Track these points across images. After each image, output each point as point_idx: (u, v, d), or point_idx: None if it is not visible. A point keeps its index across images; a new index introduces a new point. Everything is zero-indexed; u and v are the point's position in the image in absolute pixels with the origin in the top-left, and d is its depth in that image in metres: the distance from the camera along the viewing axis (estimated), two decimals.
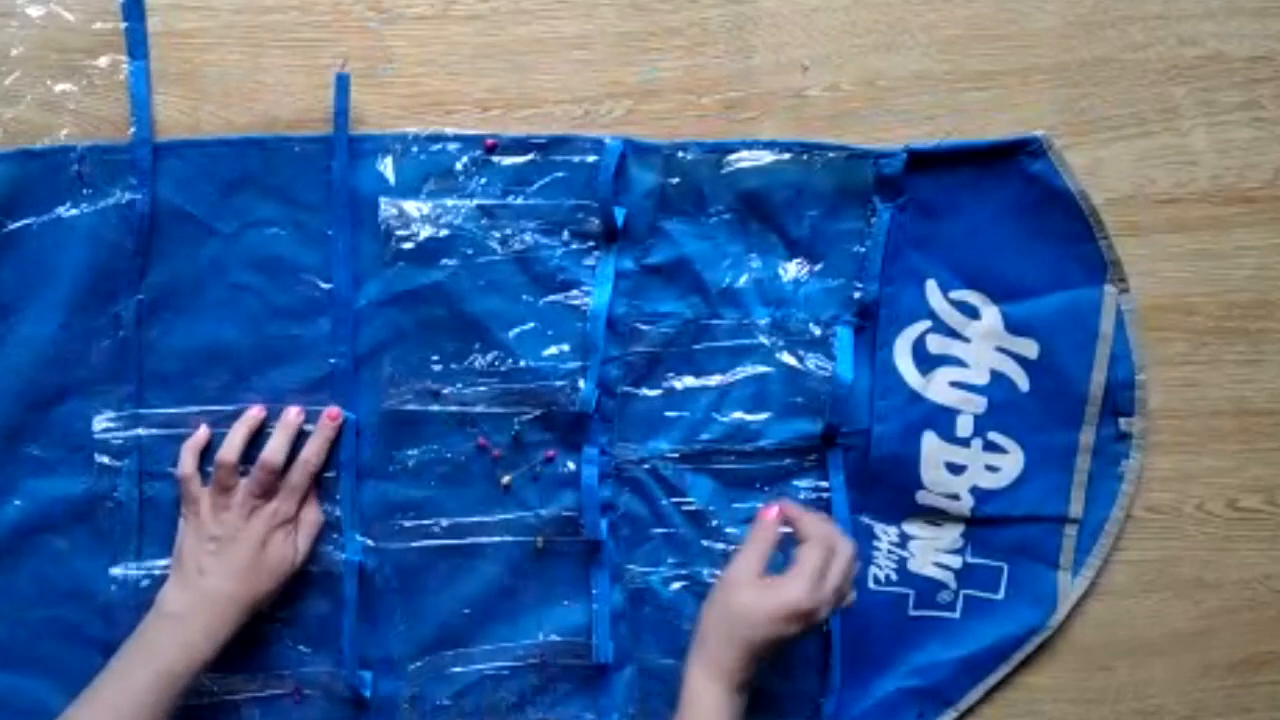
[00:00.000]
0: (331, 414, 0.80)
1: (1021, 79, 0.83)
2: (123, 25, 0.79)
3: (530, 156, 0.81)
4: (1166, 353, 0.86)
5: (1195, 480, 0.88)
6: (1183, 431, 0.87)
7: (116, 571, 0.82)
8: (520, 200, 0.81)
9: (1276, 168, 0.85)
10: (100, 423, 0.81)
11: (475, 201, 0.81)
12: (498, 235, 0.81)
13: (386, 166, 0.81)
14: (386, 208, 0.80)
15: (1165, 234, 0.85)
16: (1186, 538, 0.88)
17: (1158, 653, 0.89)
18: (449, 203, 0.81)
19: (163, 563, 0.81)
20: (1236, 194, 0.85)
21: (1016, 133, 0.83)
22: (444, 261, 0.81)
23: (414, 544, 0.83)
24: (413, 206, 0.80)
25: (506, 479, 0.83)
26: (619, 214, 0.81)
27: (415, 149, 0.81)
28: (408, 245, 0.81)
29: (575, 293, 0.82)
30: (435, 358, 0.82)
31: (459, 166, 0.81)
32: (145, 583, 0.81)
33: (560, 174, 0.81)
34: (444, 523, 0.83)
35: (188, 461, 0.79)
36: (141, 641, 0.74)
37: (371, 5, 0.81)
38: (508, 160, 0.81)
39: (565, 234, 0.82)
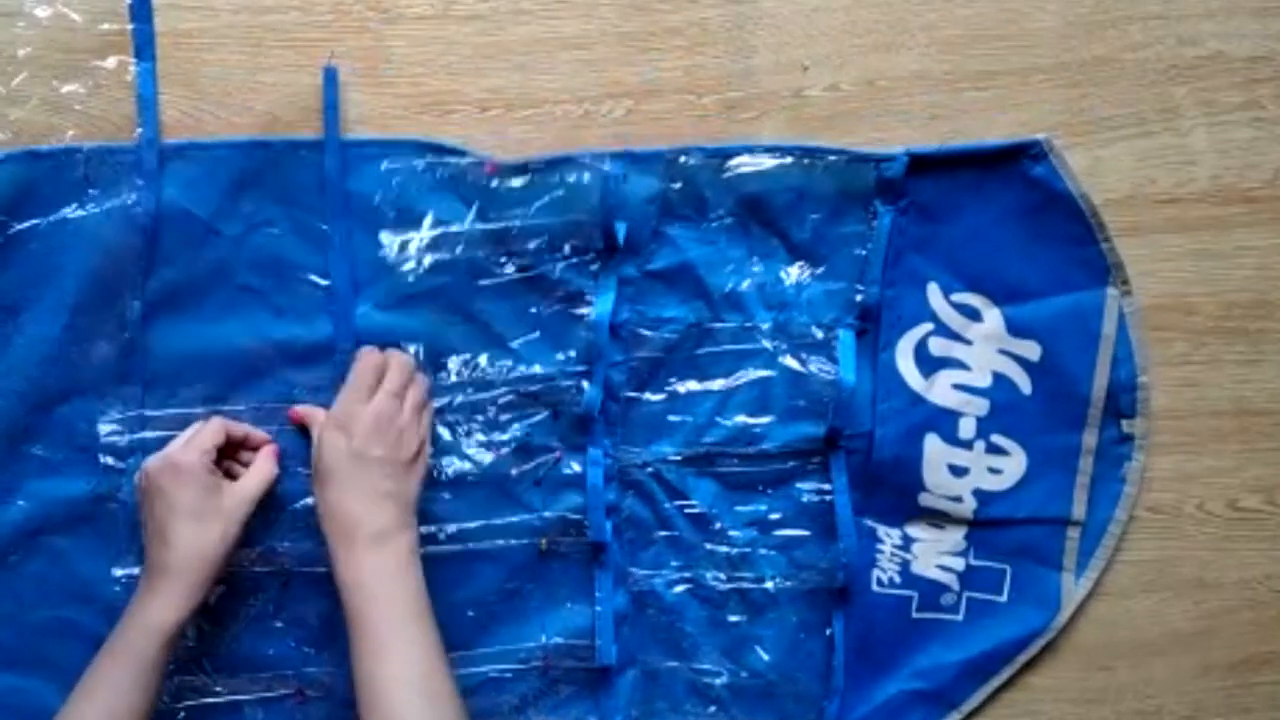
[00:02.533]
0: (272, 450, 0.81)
1: (1021, 79, 0.83)
2: (130, 27, 0.79)
3: (530, 178, 0.81)
4: (1167, 353, 0.86)
5: (1195, 480, 0.88)
6: (1183, 431, 0.87)
7: (119, 572, 0.81)
8: (521, 221, 0.81)
9: (1276, 168, 0.85)
10: (105, 427, 0.80)
11: (477, 226, 0.81)
12: (500, 257, 0.81)
13: (387, 194, 0.80)
14: (388, 241, 0.80)
15: (1165, 234, 0.85)
16: (1186, 538, 0.88)
17: (1158, 653, 0.89)
18: (451, 229, 0.81)
19: None
20: (1236, 194, 0.85)
21: (1016, 132, 0.83)
22: (447, 279, 0.81)
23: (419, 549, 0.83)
24: (414, 237, 0.80)
25: (515, 471, 0.83)
26: (620, 229, 0.81)
27: (417, 172, 0.80)
28: (411, 274, 0.81)
29: (579, 303, 0.82)
30: (440, 361, 0.82)
31: (460, 191, 0.81)
32: None
33: (560, 192, 0.81)
34: (450, 529, 0.83)
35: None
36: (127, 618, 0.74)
37: (371, 5, 0.81)
38: (508, 183, 0.81)
39: (566, 249, 0.82)
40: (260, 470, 0.79)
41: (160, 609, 0.72)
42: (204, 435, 0.77)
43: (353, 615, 0.71)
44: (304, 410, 0.80)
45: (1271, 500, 0.88)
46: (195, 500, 0.74)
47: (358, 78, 0.80)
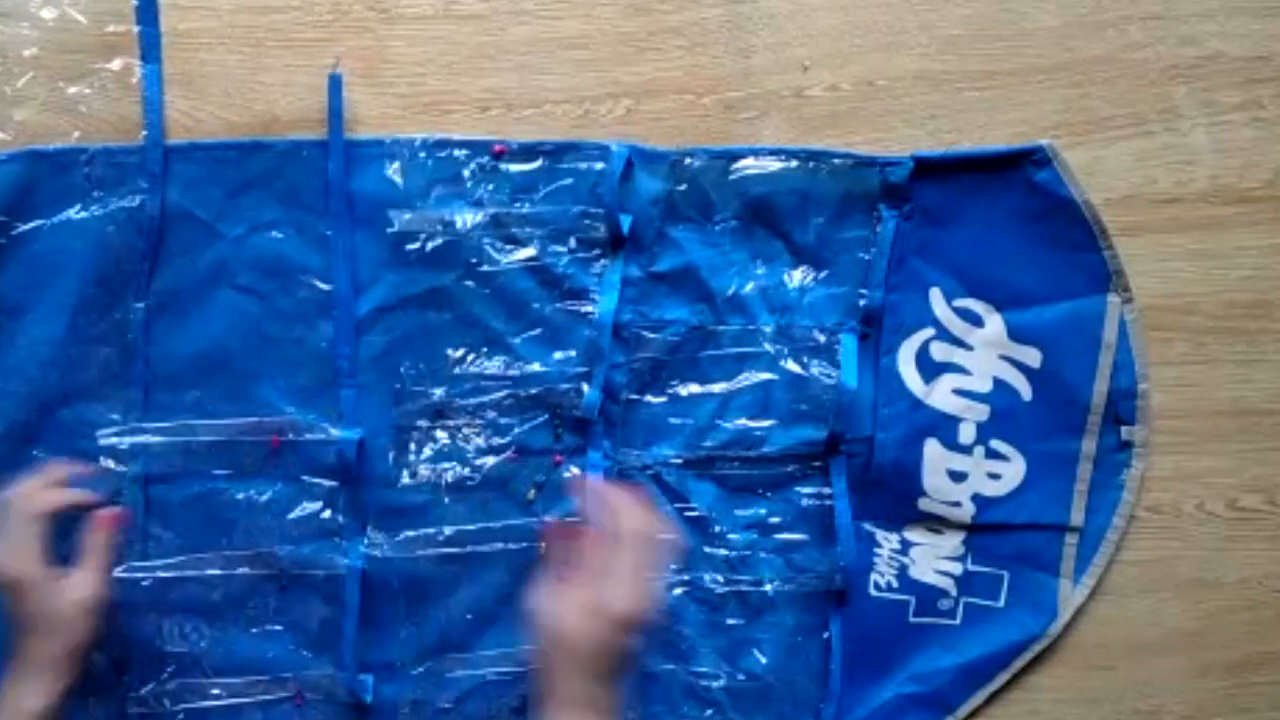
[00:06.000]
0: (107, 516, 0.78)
1: (1021, 79, 0.83)
2: (136, 29, 0.79)
3: (538, 163, 0.81)
4: (1167, 353, 0.86)
5: (1195, 480, 0.88)
6: (1183, 431, 0.87)
7: (120, 573, 0.81)
8: (527, 208, 0.81)
9: (1276, 168, 0.85)
10: (107, 438, 0.80)
11: (483, 210, 0.81)
12: (505, 243, 0.81)
13: (394, 172, 0.80)
14: (396, 218, 0.80)
15: (1165, 234, 0.85)
16: (1186, 538, 0.88)
17: (1158, 653, 0.89)
18: (458, 213, 0.81)
19: (167, 561, 0.81)
20: (1236, 194, 0.85)
21: (1016, 132, 0.83)
22: (451, 268, 0.81)
23: (419, 553, 0.83)
24: (421, 216, 0.80)
25: (515, 474, 0.83)
26: (625, 221, 0.81)
27: (423, 155, 0.81)
28: (416, 254, 0.81)
29: (582, 300, 0.82)
30: (440, 364, 0.82)
31: (467, 173, 0.81)
32: (147, 583, 0.81)
33: (567, 181, 0.81)
34: (447, 530, 0.83)
35: None
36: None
37: (371, 5, 0.81)
38: (515, 167, 0.81)
39: (572, 241, 0.81)
40: (91, 565, 0.75)
41: (29, 696, 0.71)
42: (29, 537, 0.73)
43: None
44: (568, 529, 0.77)
45: (1271, 500, 0.88)
46: (39, 612, 0.72)
47: (357, 78, 0.80)
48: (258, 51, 0.80)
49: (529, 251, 0.81)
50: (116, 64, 0.79)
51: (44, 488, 0.76)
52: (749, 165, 0.82)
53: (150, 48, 0.79)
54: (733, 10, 0.82)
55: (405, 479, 0.83)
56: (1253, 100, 0.84)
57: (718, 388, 0.84)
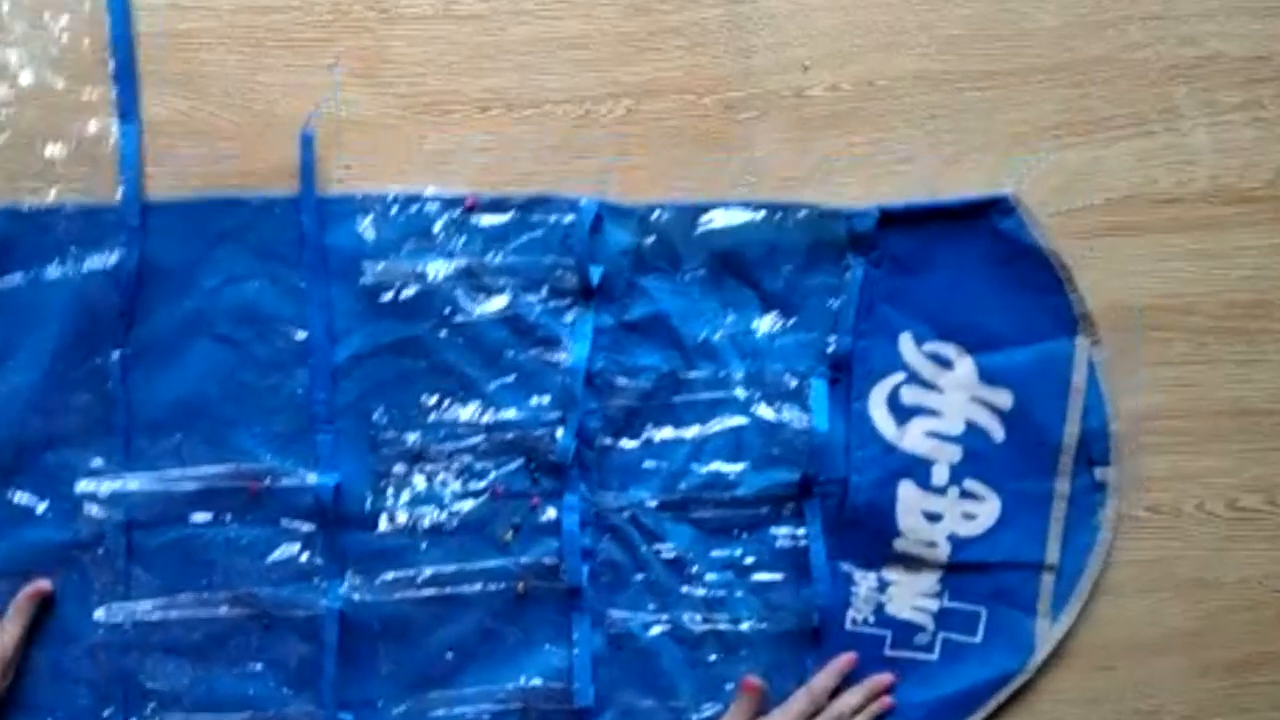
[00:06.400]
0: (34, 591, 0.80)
1: (1021, 79, 0.83)
2: (113, 92, 0.79)
3: (508, 216, 0.81)
4: (1167, 353, 0.86)
5: (1195, 480, 0.87)
6: (1182, 431, 0.87)
7: (100, 615, 0.81)
8: (499, 258, 0.82)
9: (1276, 168, 0.85)
10: (85, 483, 0.81)
11: (455, 261, 0.81)
12: (478, 293, 0.82)
13: (366, 227, 0.81)
14: (369, 269, 0.81)
15: (1165, 234, 0.85)
16: (1186, 538, 0.88)
17: (1158, 653, 0.88)
18: (430, 264, 0.81)
19: (148, 605, 0.82)
20: (1236, 194, 0.85)
21: (1016, 132, 0.83)
22: (425, 318, 0.82)
23: (398, 595, 0.83)
24: (394, 267, 0.81)
25: (492, 517, 0.84)
26: (595, 273, 0.81)
27: (394, 211, 0.81)
28: (390, 304, 0.81)
29: (555, 348, 0.82)
30: (415, 410, 0.82)
31: (438, 227, 0.81)
32: (129, 625, 0.81)
33: (538, 233, 0.82)
34: (427, 571, 0.82)
35: None
36: None
37: (371, 5, 0.81)
38: (486, 220, 0.81)
39: (544, 291, 0.82)
40: (12, 622, 0.79)
41: None
42: None
43: None
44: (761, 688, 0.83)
45: (1271, 500, 0.88)
46: None
47: (356, 77, 0.81)
48: (258, 51, 0.80)
49: (502, 301, 0.82)
50: (93, 125, 0.80)
51: None
52: (716, 218, 0.82)
53: (127, 109, 0.80)
54: (733, 10, 0.82)
55: (383, 523, 0.83)
56: (1253, 100, 0.84)
57: (690, 432, 0.84)
